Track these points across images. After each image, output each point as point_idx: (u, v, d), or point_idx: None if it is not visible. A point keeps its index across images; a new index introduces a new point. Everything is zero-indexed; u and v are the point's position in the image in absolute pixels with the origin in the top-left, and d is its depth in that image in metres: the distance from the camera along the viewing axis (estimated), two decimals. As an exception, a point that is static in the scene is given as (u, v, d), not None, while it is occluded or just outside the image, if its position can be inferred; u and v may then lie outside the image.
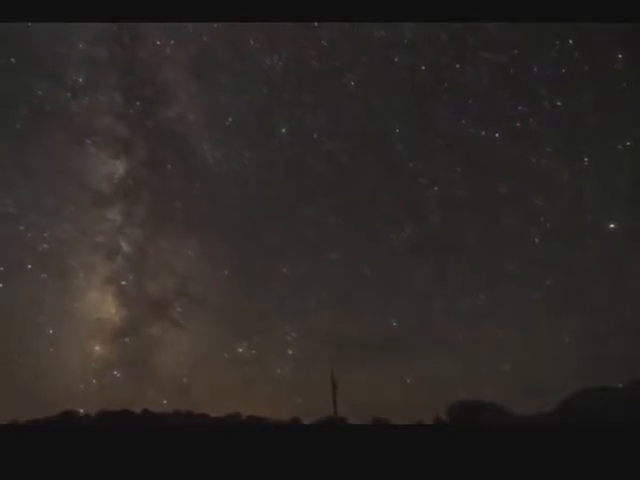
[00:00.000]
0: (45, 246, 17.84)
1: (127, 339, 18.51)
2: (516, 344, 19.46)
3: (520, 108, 21.71)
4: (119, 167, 18.82)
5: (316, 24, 19.09)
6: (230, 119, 19.24)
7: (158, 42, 18.25)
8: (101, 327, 18.50)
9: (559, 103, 21.62)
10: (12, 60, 16.87)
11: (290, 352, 18.79)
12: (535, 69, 21.44)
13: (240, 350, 19.32)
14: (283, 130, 19.60)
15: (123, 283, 18.80)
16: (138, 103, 18.36)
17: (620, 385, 15.87)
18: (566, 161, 21.82)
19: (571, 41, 21.41)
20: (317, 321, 19.55)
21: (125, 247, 18.89)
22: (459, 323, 21.45)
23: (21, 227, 17.75)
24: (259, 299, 20.16)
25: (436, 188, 22.09)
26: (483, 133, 21.93)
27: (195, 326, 19.11)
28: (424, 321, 19.74)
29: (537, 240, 21.62)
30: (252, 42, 18.68)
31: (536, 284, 21.54)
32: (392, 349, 20.39)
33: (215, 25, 18.08)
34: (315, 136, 20.11)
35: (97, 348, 18.34)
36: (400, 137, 21.50)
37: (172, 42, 18.30)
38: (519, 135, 21.79)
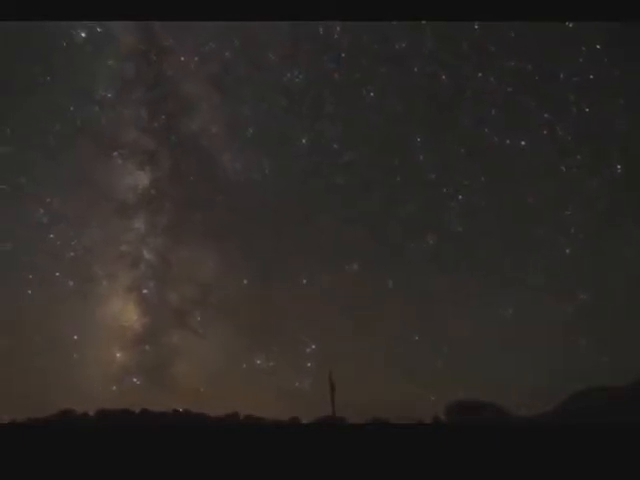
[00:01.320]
0: (72, 254, 18.53)
1: (147, 347, 18.81)
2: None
3: (546, 116, 21.23)
4: (144, 178, 19.47)
5: (336, 36, 19.48)
6: (250, 131, 19.68)
7: (182, 58, 19.08)
8: (123, 334, 18.89)
9: (587, 109, 21.02)
10: (47, 78, 17.99)
11: (309, 365, 18.53)
12: (561, 75, 21.00)
13: (258, 362, 19.22)
14: (303, 141, 19.86)
15: (145, 291, 19.24)
16: (163, 117, 19.12)
17: (620, 385, 15.70)
18: (597, 169, 21.07)
19: (599, 46, 20.91)
20: (337, 333, 19.25)
21: (147, 256, 19.36)
22: (486, 338, 20.67)
23: (51, 235, 18.56)
24: (278, 310, 20.10)
25: (460, 197, 21.70)
26: (508, 142, 21.51)
27: (214, 335, 19.20)
28: (447, 335, 19.12)
29: (568, 251, 20.84)
30: (272, 56, 19.22)
31: (568, 297, 20.56)
32: (415, 362, 19.81)
33: (236, 41, 18.75)
34: (335, 147, 20.26)
35: (118, 355, 18.72)
36: (421, 147, 21.33)
37: (196, 58, 19.08)
38: (546, 143, 21.27)
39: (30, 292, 17.92)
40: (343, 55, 20.00)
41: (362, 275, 21.52)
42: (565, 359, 18.04)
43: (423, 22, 20.40)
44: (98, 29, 18.14)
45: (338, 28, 19.85)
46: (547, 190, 21.15)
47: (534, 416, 15.99)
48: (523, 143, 21.28)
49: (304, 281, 20.88)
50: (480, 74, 21.31)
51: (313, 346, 19.63)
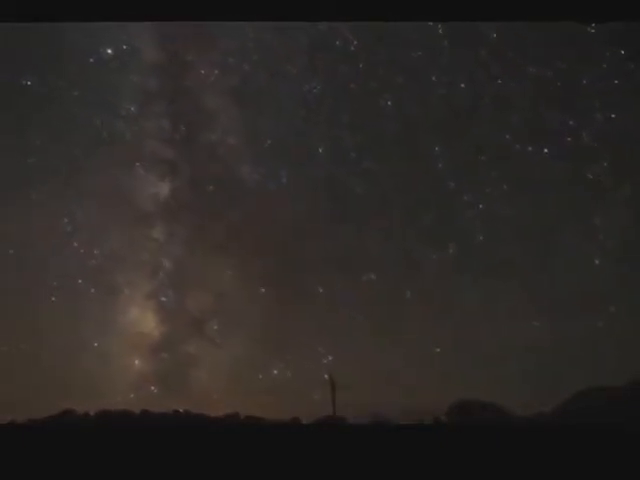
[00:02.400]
0: (94, 262, 19.06)
1: (165, 355, 19.00)
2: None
3: (570, 122, 20.76)
4: (164, 188, 19.94)
5: (352, 47, 19.74)
6: (268, 141, 19.98)
7: (203, 72, 19.67)
8: (141, 342, 19.11)
9: (613, 115, 20.48)
10: (75, 93, 18.86)
11: (326, 377, 18.26)
12: (584, 81, 20.57)
13: (275, 372, 19.12)
14: (320, 150, 20.00)
15: (163, 299, 19.53)
16: (183, 128, 19.67)
17: (620, 385, 15.75)
18: (625, 176, 20.40)
19: (623, 51, 20.47)
20: (354, 344, 19.02)
21: (167, 264, 19.74)
22: (509, 352, 20.07)
23: (75, 244, 19.18)
24: (295, 319, 20.05)
25: (481, 206, 21.34)
26: (530, 149, 21.12)
27: (230, 345, 19.26)
28: (470, 349, 18.63)
29: (597, 262, 20.16)
30: (289, 68, 19.59)
31: (598, 310, 19.88)
32: (434, 376, 19.35)
33: (255, 55, 19.25)
34: (352, 155, 20.32)
35: (137, 362, 18.97)
36: (440, 155, 21.16)
37: (216, 71, 19.64)
38: (571, 150, 20.75)
39: (54, 299, 18.51)
40: (360, 65, 20.22)
41: (379, 285, 21.27)
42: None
43: (438, 25, 20.44)
44: (124, 46, 18.99)
45: (355, 41, 20.15)
46: (573, 198, 20.57)
47: (534, 416, 15.86)
48: (546, 150, 20.85)
49: (320, 290, 20.83)
50: (499, 81, 21.11)
51: (330, 357, 19.43)
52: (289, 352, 19.69)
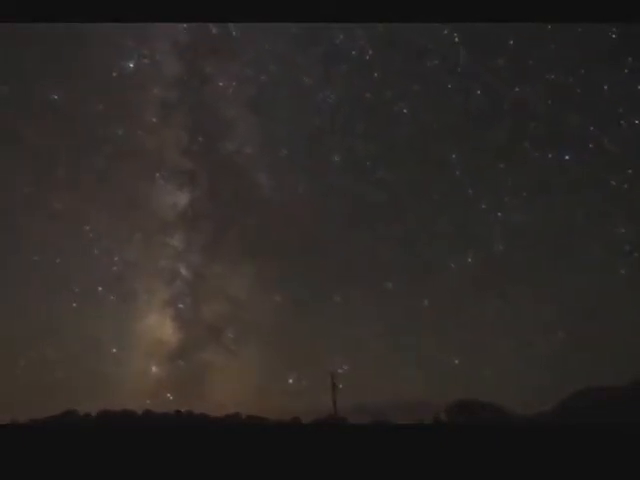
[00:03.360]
0: (115, 269, 19.53)
1: (181, 362, 19.17)
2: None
3: (592, 129, 20.33)
4: (183, 198, 20.41)
5: (367, 57, 19.88)
6: (284, 151, 20.22)
7: (221, 84, 20.13)
8: (158, 349, 19.38)
9: (637, 121, 19.97)
10: (100, 107, 19.57)
11: (341, 386, 18.08)
12: (606, 87, 20.17)
13: (290, 381, 19.04)
14: (336, 159, 20.11)
15: (180, 306, 19.80)
16: (201, 139, 20.10)
17: (620, 385, 15.39)
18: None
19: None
20: (370, 354, 18.84)
21: (184, 272, 20.04)
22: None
23: (96, 252, 19.71)
24: (310, 328, 20.01)
25: (499, 214, 20.98)
26: (550, 156, 20.75)
27: (246, 353, 19.32)
28: (490, 360, 18.23)
29: (623, 272, 19.58)
30: (305, 79, 19.87)
31: (624, 322, 19.24)
32: (452, 388, 18.94)
33: (272, 66, 19.62)
34: (368, 164, 20.34)
35: (154, 369, 19.19)
36: (457, 163, 20.96)
37: (234, 83, 20.08)
38: (593, 156, 20.30)
39: (75, 305, 18.98)
40: (376, 75, 20.33)
41: (396, 293, 21.04)
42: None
43: (454, 33, 20.42)
44: (145, 60, 19.69)
45: (371, 51, 20.31)
46: (596, 206, 20.03)
47: (534, 416, 15.50)
48: (567, 157, 20.44)
49: (337, 299, 20.73)
50: (517, 88, 20.87)
51: (345, 367, 19.22)
52: (304, 361, 19.58)
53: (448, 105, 21.14)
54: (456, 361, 19.97)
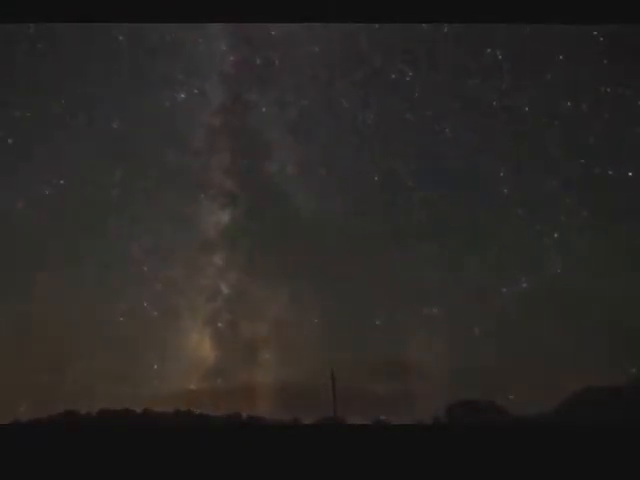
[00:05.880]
0: (159, 286, 20.30)
1: (219, 380, 19.25)
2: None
3: (656, 143, 18.93)
4: (225, 217, 21.09)
5: (408, 78, 19.95)
6: (324, 172, 20.42)
7: (264, 109, 21.03)
8: (197, 367, 19.66)
9: None
10: (151, 133, 21.03)
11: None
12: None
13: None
14: (376, 178, 20.00)
15: (219, 325, 20.05)
16: (244, 161, 20.95)
17: (620, 385, 15.73)
18: None
19: None
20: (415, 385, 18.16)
21: (225, 290, 20.42)
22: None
23: (144, 268, 20.65)
24: (350, 351, 19.46)
25: (556, 235, 19.77)
26: (610, 172, 19.44)
27: (283, 375, 19.10)
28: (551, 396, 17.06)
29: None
30: (344, 102, 20.26)
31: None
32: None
33: (312, 91, 20.25)
34: (409, 184, 20.04)
35: (192, 387, 19.37)
36: (505, 181, 20.13)
37: (275, 108, 20.91)
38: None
39: (122, 319, 19.79)
40: (416, 95, 20.32)
41: (442, 319, 20.21)
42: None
43: (497, 51, 20.15)
44: (195, 90, 21.11)
45: (410, 72, 20.37)
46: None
47: (534, 416, 15.61)
48: (631, 174, 19.03)
49: (377, 322, 20.13)
50: (569, 103, 19.92)
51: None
52: (344, 386, 19.05)
53: (494, 122, 20.55)
54: (510, 396, 18.70)
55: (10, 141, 20.65)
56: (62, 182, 20.78)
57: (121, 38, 20.33)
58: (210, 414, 15.10)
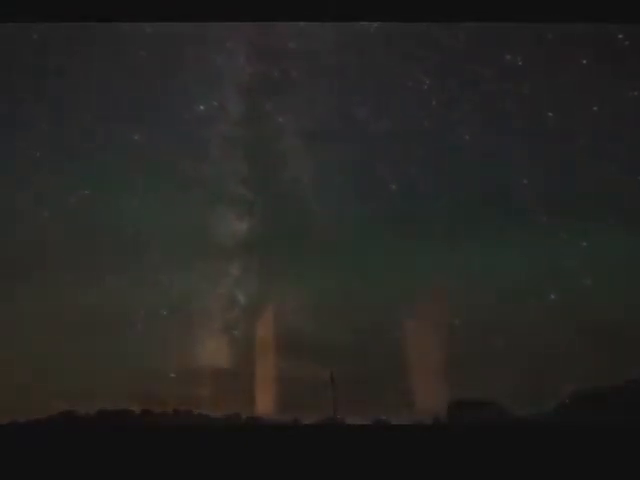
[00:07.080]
0: (177, 294, 20.33)
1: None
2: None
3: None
4: (242, 226, 21.11)
5: (425, 86, 19.72)
6: (340, 180, 20.26)
7: (280, 119, 21.08)
8: (212, 375, 19.55)
9: None
10: (169, 145, 21.41)
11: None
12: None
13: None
14: (393, 187, 19.71)
15: (235, 333, 19.94)
16: (260, 170, 21.02)
17: (620, 385, 15.83)
18: None
19: None
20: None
21: (241, 299, 20.31)
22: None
23: (162, 276, 20.72)
24: (368, 362, 19.10)
25: (584, 244, 19.12)
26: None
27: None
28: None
29: None
30: (360, 112, 20.17)
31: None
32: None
33: (328, 100, 20.29)
34: (428, 192, 19.70)
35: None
36: (528, 189, 19.59)
37: (291, 117, 21.01)
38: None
39: (139, 326, 19.84)
40: (434, 103, 20.13)
41: (464, 331, 19.75)
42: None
43: (517, 57, 19.91)
44: (214, 102, 21.42)
45: (427, 81, 20.18)
46: None
47: (534, 416, 15.80)
48: (661, 179, 18.32)
49: (397, 334, 19.71)
50: (595, 107, 19.38)
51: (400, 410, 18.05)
52: (361, 397, 18.83)
53: (513, 130, 20.17)
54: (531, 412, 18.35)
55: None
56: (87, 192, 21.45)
57: (142, 53, 20.99)
58: (210, 414, 14.90)
